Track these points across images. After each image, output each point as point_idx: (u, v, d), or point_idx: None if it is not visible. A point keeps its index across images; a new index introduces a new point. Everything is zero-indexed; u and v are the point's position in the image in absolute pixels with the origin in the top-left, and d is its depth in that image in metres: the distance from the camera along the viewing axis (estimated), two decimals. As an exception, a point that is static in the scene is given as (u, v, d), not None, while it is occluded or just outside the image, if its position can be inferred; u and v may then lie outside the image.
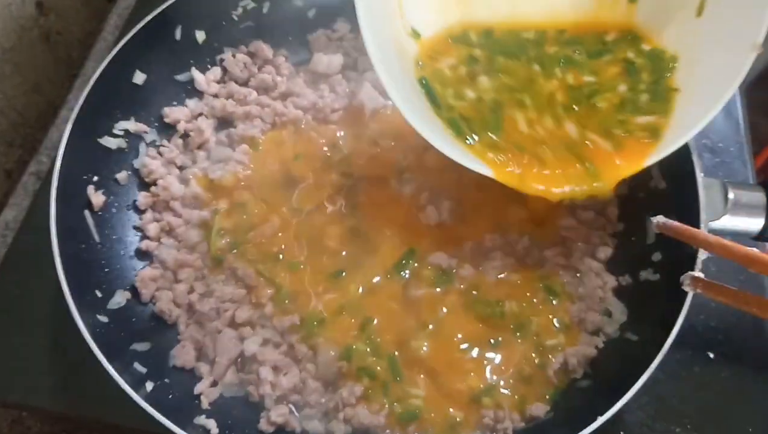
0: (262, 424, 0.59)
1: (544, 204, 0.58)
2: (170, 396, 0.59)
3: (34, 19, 0.88)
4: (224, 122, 0.78)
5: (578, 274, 0.67)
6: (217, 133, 0.77)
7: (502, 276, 0.66)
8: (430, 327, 0.63)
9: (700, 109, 0.55)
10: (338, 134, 0.75)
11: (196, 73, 0.78)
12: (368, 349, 0.62)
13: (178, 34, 0.76)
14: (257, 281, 0.65)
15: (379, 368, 0.61)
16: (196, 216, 0.70)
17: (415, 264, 0.66)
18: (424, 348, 0.62)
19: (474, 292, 0.65)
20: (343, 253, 0.67)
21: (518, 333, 0.63)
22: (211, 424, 0.57)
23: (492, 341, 0.63)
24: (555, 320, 0.64)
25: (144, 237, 0.69)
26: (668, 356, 0.55)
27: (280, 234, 0.68)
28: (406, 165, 0.73)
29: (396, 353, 0.62)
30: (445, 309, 0.64)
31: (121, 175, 0.70)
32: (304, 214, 0.70)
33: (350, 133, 0.76)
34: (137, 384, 0.55)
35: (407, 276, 0.66)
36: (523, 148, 0.57)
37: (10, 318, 0.69)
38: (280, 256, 0.67)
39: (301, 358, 0.62)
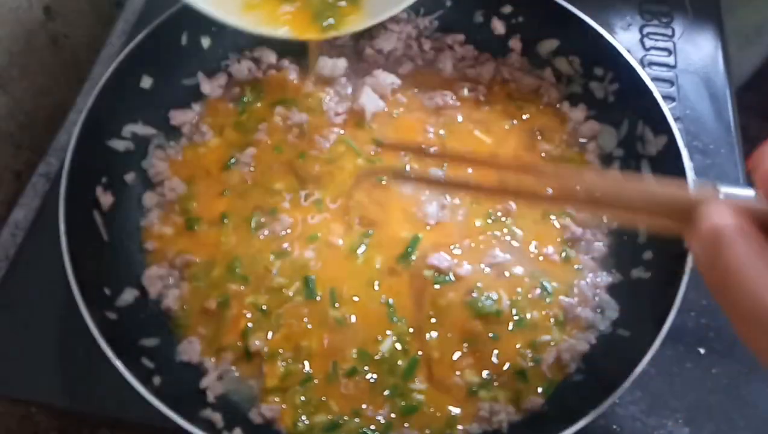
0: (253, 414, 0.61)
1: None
2: (177, 391, 0.60)
3: (42, 23, 0.89)
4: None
5: (573, 271, 0.69)
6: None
7: (498, 273, 0.68)
8: (433, 321, 0.65)
9: None
10: (341, 136, 0.77)
11: (202, 77, 0.80)
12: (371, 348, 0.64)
13: (184, 40, 0.78)
14: (264, 277, 0.67)
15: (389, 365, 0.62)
16: (202, 216, 0.72)
17: (417, 257, 0.68)
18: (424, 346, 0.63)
19: (471, 290, 0.67)
20: (344, 251, 0.69)
21: (513, 329, 0.65)
22: (217, 418, 0.58)
23: (488, 337, 0.65)
24: (549, 316, 0.66)
25: (151, 236, 0.71)
26: (660, 352, 0.57)
27: (288, 230, 0.70)
28: (407, 164, 0.75)
29: (420, 353, 0.63)
30: (442, 306, 0.66)
31: (129, 177, 0.72)
32: (308, 212, 0.72)
33: (352, 134, 0.78)
34: (145, 379, 0.57)
35: (410, 266, 0.68)
36: None
37: (20, 316, 0.70)
38: (287, 253, 0.69)
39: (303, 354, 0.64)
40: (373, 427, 0.60)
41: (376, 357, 0.63)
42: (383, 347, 0.63)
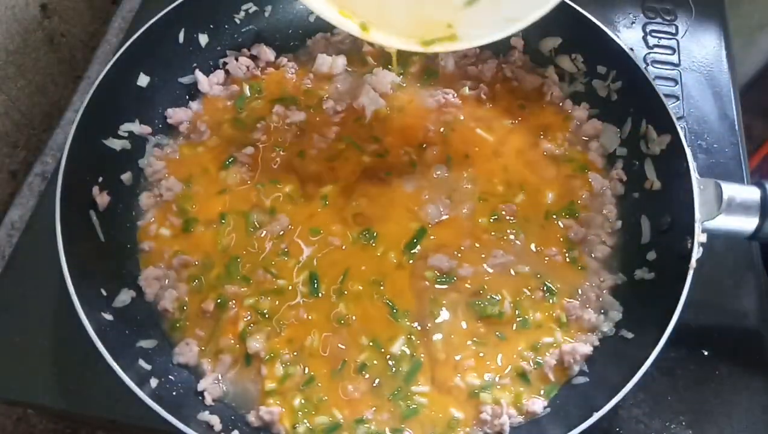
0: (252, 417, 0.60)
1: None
2: (174, 393, 0.59)
3: (38, 21, 0.88)
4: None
5: (576, 272, 0.68)
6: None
7: (501, 274, 0.67)
8: (438, 321, 0.65)
9: None
10: (341, 134, 0.77)
11: (199, 75, 0.79)
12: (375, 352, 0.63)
13: (181, 37, 0.77)
14: (264, 278, 0.67)
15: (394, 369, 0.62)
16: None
17: (419, 257, 0.68)
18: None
19: (473, 291, 0.66)
20: (346, 249, 0.68)
21: (516, 331, 0.65)
22: (215, 420, 0.58)
23: (490, 339, 0.64)
24: (552, 318, 0.66)
25: (147, 236, 0.70)
26: (663, 354, 0.56)
27: (290, 225, 0.70)
28: (408, 162, 0.74)
29: (425, 356, 0.63)
30: (444, 308, 0.66)
31: (126, 176, 0.72)
32: (308, 211, 0.71)
33: (352, 132, 0.77)
34: (142, 381, 0.56)
35: (415, 259, 0.67)
36: None
37: (16, 317, 0.69)
38: (286, 252, 0.68)
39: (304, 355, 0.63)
40: (374, 430, 0.60)
41: (387, 356, 0.62)
42: (394, 348, 0.63)
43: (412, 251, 0.68)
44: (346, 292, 0.66)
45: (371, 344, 0.63)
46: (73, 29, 0.96)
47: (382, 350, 0.63)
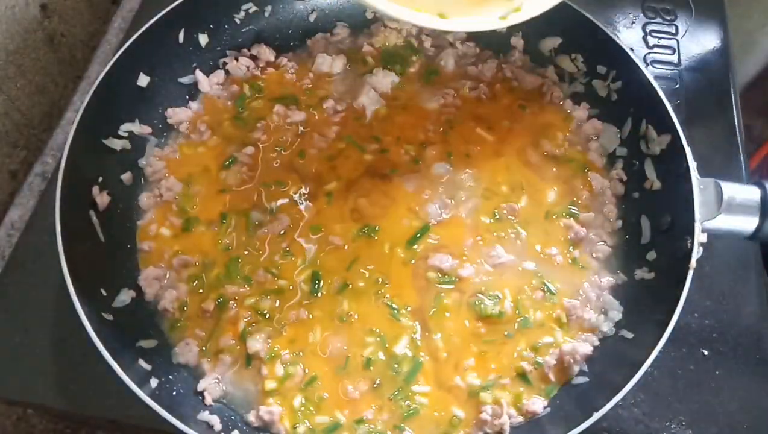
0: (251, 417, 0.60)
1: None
2: (174, 393, 0.60)
3: (38, 21, 0.88)
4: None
5: (576, 272, 0.68)
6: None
7: (502, 274, 0.67)
8: (438, 320, 0.65)
9: None
10: (341, 133, 0.77)
11: (199, 75, 0.79)
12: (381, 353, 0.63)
13: (181, 37, 0.77)
14: (265, 278, 0.67)
15: (395, 371, 0.62)
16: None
17: (420, 258, 0.68)
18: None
19: (474, 290, 0.66)
20: (345, 248, 0.69)
21: (516, 331, 0.65)
22: (215, 420, 0.58)
23: (491, 338, 0.64)
24: (552, 318, 0.66)
25: (147, 236, 0.70)
26: (663, 353, 0.56)
27: (291, 224, 0.70)
28: (409, 161, 0.74)
29: (426, 355, 0.63)
30: (446, 307, 0.66)
31: (126, 176, 0.72)
32: (309, 210, 0.71)
33: (352, 132, 0.77)
34: (142, 381, 0.56)
35: (417, 256, 0.68)
36: None
37: (16, 317, 0.69)
38: (288, 251, 0.68)
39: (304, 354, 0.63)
40: (375, 430, 0.60)
41: (391, 352, 0.63)
42: (398, 347, 0.63)
43: (414, 247, 0.68)
44: (350, 285, 0.66)
45: (378, 340, 0.63)
46: (73, 29, 0.96)
47: (387, 345, 0.63)
